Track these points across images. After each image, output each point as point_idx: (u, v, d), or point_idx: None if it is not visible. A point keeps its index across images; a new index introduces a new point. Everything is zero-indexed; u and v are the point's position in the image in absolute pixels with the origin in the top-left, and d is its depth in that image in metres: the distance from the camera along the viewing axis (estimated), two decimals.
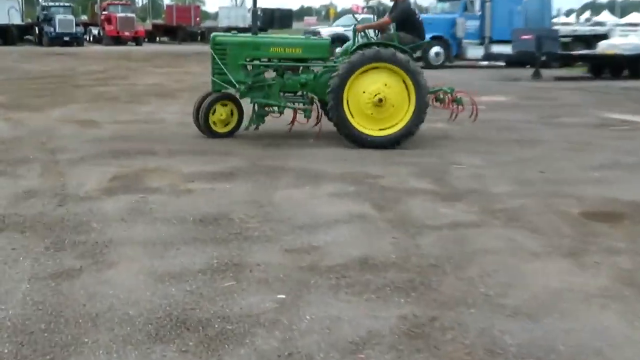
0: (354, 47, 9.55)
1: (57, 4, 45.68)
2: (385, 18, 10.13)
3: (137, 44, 46.45)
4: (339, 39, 26.79)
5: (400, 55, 9.34)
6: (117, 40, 45.59)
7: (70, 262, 4.75)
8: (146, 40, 50.49)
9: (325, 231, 5.55)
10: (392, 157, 8.68)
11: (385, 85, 9.27)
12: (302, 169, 7.87)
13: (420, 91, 9.29)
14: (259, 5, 24.15)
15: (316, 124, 9.98)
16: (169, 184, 7.06)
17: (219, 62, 9.64)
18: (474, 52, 26.72)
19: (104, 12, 48.59)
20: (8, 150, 8.60)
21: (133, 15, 48.98)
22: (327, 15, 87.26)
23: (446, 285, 4.49)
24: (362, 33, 10.05)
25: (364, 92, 9.23)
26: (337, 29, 29.56)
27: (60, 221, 5.70)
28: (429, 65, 25.12)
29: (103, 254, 4.94)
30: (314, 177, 7.46)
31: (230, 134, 9.73)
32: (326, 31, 29.98)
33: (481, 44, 26.78)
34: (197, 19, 57.11)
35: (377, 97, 9.21)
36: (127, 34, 46.60)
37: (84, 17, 57.38)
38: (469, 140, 10.10)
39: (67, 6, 46.99)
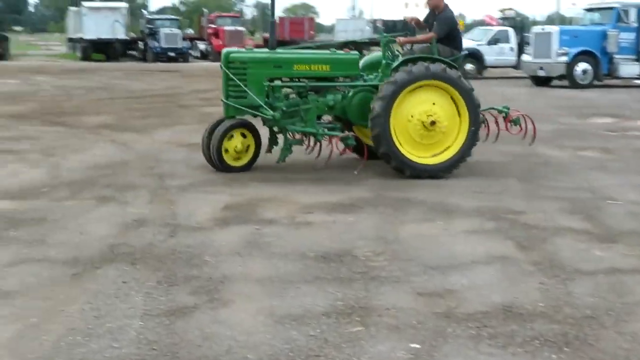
0: (397, 64, 9.23)
1: (162, 17, 47.61)
2: (431, 33, 9.63)
3: None
4: (470, 55, 26.61)
5: (450, 71, 9.08)
6: None
7: (183, 299, 4.92)
8: None
9: (462, 273, 5.51)
10: (533, 190, 8.52)
11: (434, 104, 9.08)
12: (433, 201, 7.85)
13: (473, 110, 9.15)
14: (379, 16, 24.51)
15: (313, 151, 9.55)
16: (285, 215, 7.21)
17: (239, 83, 9.13)
18: (629, 69, 25.89)
19: (211, 25, 50.23)
20: (115, 175, 9.01)
21: (242, 28, 50.41)
22: None
23: (605, 340, 4.36)
24: (388, 47, 9.69)
25: (412, 115, 9.00)
26: (468, 42, 29.40)
27: (171, 253, 5.92)
28: (574, 85, 24.57)
29: (218, 290, 5.10)
30: (445, 211, 7.43)
31: (245, 169, 9.23)
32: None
33: (637, 60, 25.95)
34: (311, 32, 58.14)
35: (428, 119, 8.99)
36: (235, 48, 47.89)
37: (190, 31, 59.47)
38: (623, 171, 9.80)
39: (173, 19, 48.98)
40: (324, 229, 6.72)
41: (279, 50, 9.97)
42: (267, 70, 9.28)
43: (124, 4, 46.57)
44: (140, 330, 4.40)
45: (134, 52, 47.45)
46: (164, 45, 44.11)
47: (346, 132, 9.39)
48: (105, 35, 43.83)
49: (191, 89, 23.20)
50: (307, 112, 9.29)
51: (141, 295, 4.98)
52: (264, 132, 9.50)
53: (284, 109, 9.18)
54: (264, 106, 9.06)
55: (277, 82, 9.40)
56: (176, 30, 45.83)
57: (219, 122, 9.38)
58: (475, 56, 30.28)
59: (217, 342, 4.26)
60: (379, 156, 9.11)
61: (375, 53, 10.46)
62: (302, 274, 5.47)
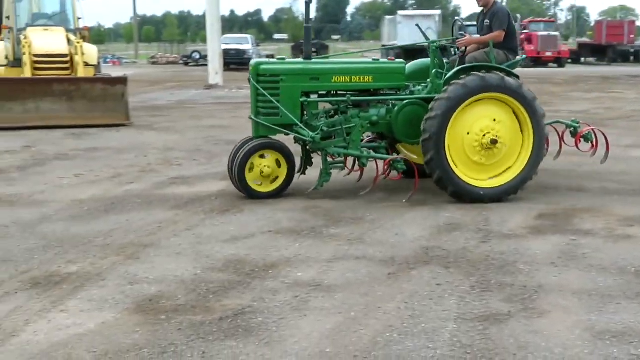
0: (450, 75, 8.18)
1: (473, 23, 47.62)
2: (496, 32, 8.54)
3: (559, 66, 46.47)
4: None
5: (510, 80, 8.03)
6: (537, 61, 46.06)
7: (497, 305, 4.90)
8: (569, 61, 50.19)
9: None
10: None
11: (495, 120, 8.06)
12: None
13: (538, 124, 8.09)
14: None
15: (350, 173, 8.83)
16: (603, 226, 6.90)
17: (271, 99, 8.13)
18: None
19: (524, 31, 49.40)
20: (428, 180, 9.16)
21: (556, 33, 49.05)
22: None
23: None
24: (437, 54, 8.73)
25: (468, 133, 8.02)
26: None
27: (484, 259, 5.92)
28: None
29: (532, 300, 5.01)
30: None
31: (274, 195, 8.16)
32: None
33: None
34: (631, 35, 55.09)
35: (488, 137, 7.99)
36: (548, 54, 46.84)
37: None
38: None
39: None
40: None
41: (314, 60, 8.73)
42: (303, 84, 8.27)
43: (437, 12, 47.33)
44: (455, 333, 4.45)
45: (445, 59, 47.94)
46: None
47: (394, 155, 8.52)
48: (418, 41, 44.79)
49: None
50: (350, 131, 8.22)
51: (455, 299, 5.04)
52: (296, 149, 8.64)
53: (324, 128, 8.18)
54: (301, 125, 8.15)
55: (314, 97, 8.46)
56: None
57: (245, 142, 8.38)
58: None
59: (532, 352, 4.18)
60: (434, 182, 8.09)
61: (421, 60, 9.35)
62: (623, 289, 5.20)
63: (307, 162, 8.63)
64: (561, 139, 9.22)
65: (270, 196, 8.08)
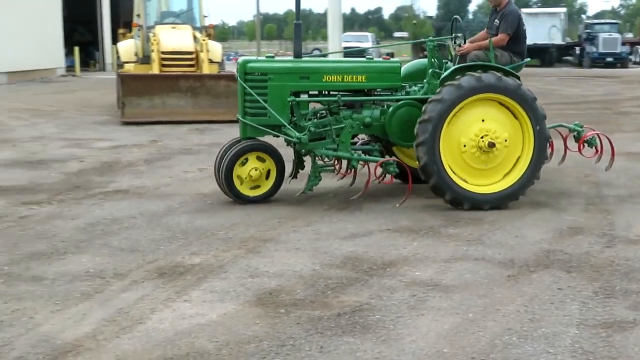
0: (445, 75, 7.78)
1: (601, 21, 46.23)
2: (500, 35, 8.21)
3: (621, 66, 44.17)
4: None
5: (508, 80, 7.60)
6: (599, 62, 43.96)
7: (621, 313, 4.76)
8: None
9: None
10: None
11: (491, 121, 7.66)
12: None
13: (538, 121, 7.68)
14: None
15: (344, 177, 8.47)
16: None
17: (259, 99, 7.80)
18: None
19: (586, 31, 47.41)
20: (550, 182, 8.97)
21: (618, 35, 46.74)
22: None
23: None
24: (435, 53, 8.30)
25: (464, 136, 7.61)
26: None
27: (609, 264, 5.75)
28: None
29: None
30: None
31: (261, 200, 7.89)
32: None
33: None
34: None
35: (485, 140, 7.55)
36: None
37: (630, 35, 56.89)
38: None
39: (613, 23, 47.28)
40: None
41: (305, 58, 8.44)
42: (292, 83, 7.93)
43: (562, 9, 46.13)
44: (576, 339, 4.35)
45: (569, 58, 46.76)
46: (601, 50, 42.88)
47: (387, 157, 8.14)
48: (541, 40, 43.78)
49: (631, 96, 22.21)
50: (340, 132, 7.91)
51: (576, 304, 4.92)
52: (288, 152, 8.34)
53: (312, 129, 7.86)
54: (287, 126, 7.80)
55: (304, 97, 8.11)
56: (615, 35, 44.23)
57: (232, 144, 8.13)
58: None
59: None
60: (429, 188, 7.70)
61: (417, 60, 8.88)
62: None
63: (298, 165, 8.34)
64: (565, 143, 8.89)
65: (256, 201, 7.82)
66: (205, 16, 18.70)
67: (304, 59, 8.28)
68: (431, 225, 6.97)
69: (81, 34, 40.38)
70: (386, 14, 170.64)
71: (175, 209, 7.62)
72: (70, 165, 10.32)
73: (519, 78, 7.83)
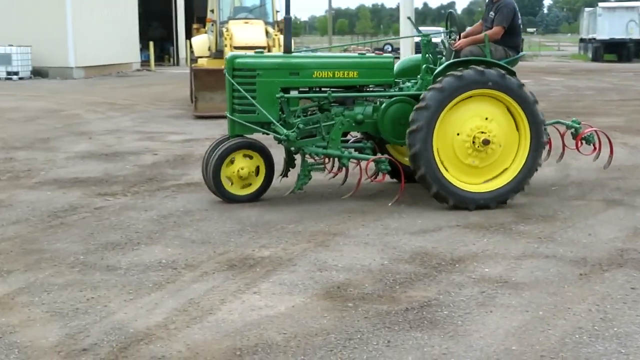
0: (442, 68, 7.54)
1: None
2: (495, 28, 7.90)
3: None
4: None
5: (511, 79, 7.38)
6: None
7: None
8: None
9: None
10: None
11: (487, 119, 7.41)
12: None
13: (537, 125, 7.44)
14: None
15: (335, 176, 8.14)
16: None
17: (246, 95, 7.58)
18: None
19: None
20: (625, 179, 8.78)
21: None
22: None
23: None
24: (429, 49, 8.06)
25: (459, 132, 7.39)
26: None
27: None
28: None
29: None
30: None
31: (251, 199, 7.68)
32: None
33: None
34: None
35: (480, 137, 7.33)
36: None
37: None
38: None
39: None
40: None
41: (295, 54, 8.24)
42: (281, 79, 7.71)
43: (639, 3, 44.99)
44: None
45: None
46: None
47: (379, 155, 7.89)
48: (618, 35, 42.82)
49: None
50: (330, 129, 7.66)
51: None
52: (280, 149, 8.15)
53: (301, 126, 7.59)
54: (276, 123, 7.56)
55: (294, 93, 7.90)
56: None
57: (220, 142, 7.92)
58: None
59: None
60: (416, 179, 7.48)
61: (412, 56, 8.57)
62: None
63: (289, 163, 8.14)
64: (563, 140, 8.62)
65: (249, 200, 7.64)
66: (278, 11, 18.79)
67: (294, 54, 8.10)
68: (502, 222, 6.90)
69: (156, 30, 41.05)
70: (459, 8, 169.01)
71: (246, 203, 7.68)
72: (144, 158, 10.53)
73: (514, 73, 7.59)
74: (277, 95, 7.58)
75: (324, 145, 7.66)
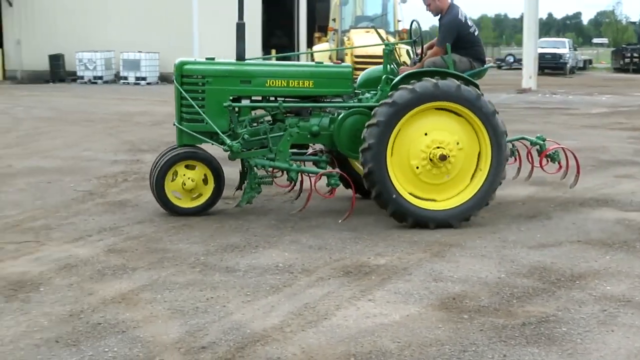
0: (397, 80, 7.16)
1: None
2: (435, 49, 7.57)
3: None
4: None
5: (467, 89, 6.98)
6: None
7: None
8: None
9: None
10: None
11: (445, 132, 7.07)
12: None
13: (498, 141, 7.06)
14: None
15: (293, 189, 7.84)
16: None
17: (193, 104, 7.28)
18: None
19: None
20: None
21: None
22: None
23: None
24: (393, 57, 7.73)
25: (415, 147, 7.05)
26: None
27: None
28: None
29: None
30: None
31: (199, 211, 7.34)
32: None
33: None
34: None
35: (437, 152, 6.98)
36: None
37: None
38: None
39: None
40: None
41: (249, 61, 7.77)
42: (231, 87, 7.41)
43: None
44: None
45: None
46: None
47: (329, 169, 7.48)
48: None
49: None
50: (277, 141, 7.33)
51: None
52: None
53: (246, 136, 7.26)
54: (220, 133, 7.22)
55: (245, 102, 7.57)
56: None
57: (167, 151, 7.60)
58: None
59: None
60: (372, 199, 7.08)
61: (377, 67, 7.90)
62: None
63: (244, 175, 7.75)
64: (529, 157, 8.22)
65: (192, 213, 7.34)
66: (399, 20, 18.85)
67: (246, 61, 7.72)
68: (625, 239, 6.68)
69: (278, 38, 41.75)
70: (585, 19, 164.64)
71: (362, 209, 7.70)
72: None
73: (477, 86, 7.23)
74: (225, 104, 7.33)
75: (272, 158, 7.40)
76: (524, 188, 8.76)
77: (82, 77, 29.17)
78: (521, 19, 28.29)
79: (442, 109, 7.09)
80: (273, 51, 36.39)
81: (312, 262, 5.95)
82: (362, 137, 7.00)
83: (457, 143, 7.07)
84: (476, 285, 5.41)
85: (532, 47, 26.44)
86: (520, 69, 28.44)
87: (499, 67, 53.41)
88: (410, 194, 7.07)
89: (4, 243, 6.45)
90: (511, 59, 53.15)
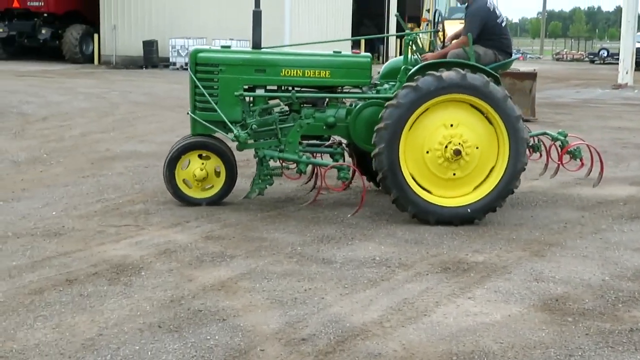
0: (417, 68, 6.92)
1: None
2: (461, 38, 7.36)
3: None
4: None
5: (473, 77, 6.69)
6: None
7: None
8: None
9: None
10: None
11: (461, 126, 6.80)
12: None
13: (517, 137, 6.76)
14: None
15: (310, 181, 7.83)
16: None
17: (204, 92, 7.10)
18: None
19: None
20: None
21: None
22: None
23: None
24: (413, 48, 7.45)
25: (430, 141, 6.80)
26: None
27: None
28: None
29: None
30: None
31: (212, 202, 7.21)
32: None
33: None
34: None
35: (450, 148, 6.73)
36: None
37: None
38: None
39: None
40: None
41: (264, 49, 7.43)
42: (245, 76, 7.20)
43: None
44: None
45: None
46: None
47: (340, 162, 7.33)
48: None
49: None
50: (287, 132, 7.18)
51: None
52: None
53: (254, 127, 7.07)
54: (227, 122, 7.05)
55: (260, 92, 7.28)
56: None
57: (180, 142, 7.46)
58: None
59: None
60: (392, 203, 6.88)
61: (402, 57, 7.41)
62: None
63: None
64: (548, 153, 8.18)
65: (212, 202, 7.24)
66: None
67: (262, 50, 7.47)
68: None
69: (368, 27, 41.66)
70: None
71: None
72: None
73: (497, 77, 7.00)
74: (236, 93, 7.18)
75: (282, 149, 7.26)
76: (624, 188, 8.50)
77: (174, 64, 29.60)
78: (615, 12, 27.58)
79: (460, 102, 6.84)
80: (361, 41, 36.42)
81: (409, 256, 5.89)
82: (372, 141, 6.82)
83: (477, 147, 6.84)
84: (579, 287, 5.26)
85: (630, 41, 25.63)
86: (614, 63, 27.70)
87: (592, 62, 52.13)
88: (428, 191, 6.88)
89: (106, 226, 6.59)
90: (604, 54, 51.81)
